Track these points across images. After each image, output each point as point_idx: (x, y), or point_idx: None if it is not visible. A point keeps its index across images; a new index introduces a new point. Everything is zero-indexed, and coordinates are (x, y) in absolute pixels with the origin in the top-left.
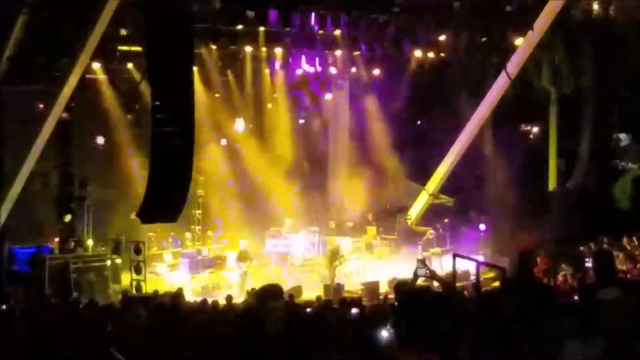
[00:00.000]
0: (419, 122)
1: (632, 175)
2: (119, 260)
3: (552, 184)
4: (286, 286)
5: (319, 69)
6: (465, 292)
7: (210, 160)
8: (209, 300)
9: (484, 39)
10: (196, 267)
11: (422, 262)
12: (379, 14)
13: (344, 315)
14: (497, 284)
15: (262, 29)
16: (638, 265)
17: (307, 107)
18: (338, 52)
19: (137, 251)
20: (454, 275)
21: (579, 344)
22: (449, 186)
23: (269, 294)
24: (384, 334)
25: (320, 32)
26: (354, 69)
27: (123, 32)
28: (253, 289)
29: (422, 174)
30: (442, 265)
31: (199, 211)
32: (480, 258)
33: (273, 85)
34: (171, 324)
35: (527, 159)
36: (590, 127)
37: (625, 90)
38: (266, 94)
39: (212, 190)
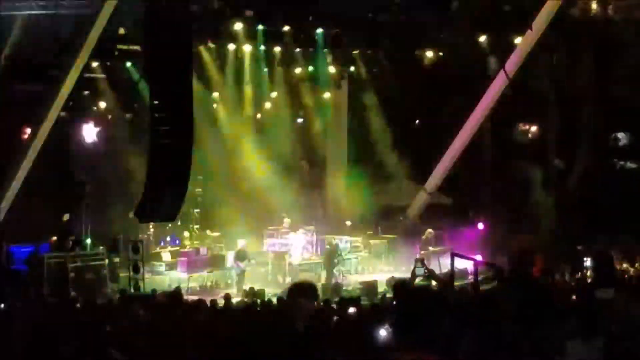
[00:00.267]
0: (417, 121)
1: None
2: (117, 260)
3: (550, 184)
4: (283, 286)
5: (318, 67)
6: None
7: (209, 159)
8: (207, 300)
9: (482, 39)
10: (194, 266)
11: (421, 262)
12: (378, 14)
13: (342, 315)
14: (495, 283)
15: (260, 27)
16: (636, 265)
17: (306, 106)
18: (337, 51)
19: (135, 250)
20: (452, 274)
21: (581, 344)
22: (448, 185)
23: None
24: (383, 333)
25: (319, 30)
26: (352, 68)
27: (122, 31)
28: (251, 287)
29: (420, 173)
30: (441, 264)
31: (197, 210)
32: (479, 257)
33: (272, 84)
34: (169, 323)
35: (525, 159)
36: (589, 126)
37: (624, 90)
38: (265, 92)
39: (210, 189)
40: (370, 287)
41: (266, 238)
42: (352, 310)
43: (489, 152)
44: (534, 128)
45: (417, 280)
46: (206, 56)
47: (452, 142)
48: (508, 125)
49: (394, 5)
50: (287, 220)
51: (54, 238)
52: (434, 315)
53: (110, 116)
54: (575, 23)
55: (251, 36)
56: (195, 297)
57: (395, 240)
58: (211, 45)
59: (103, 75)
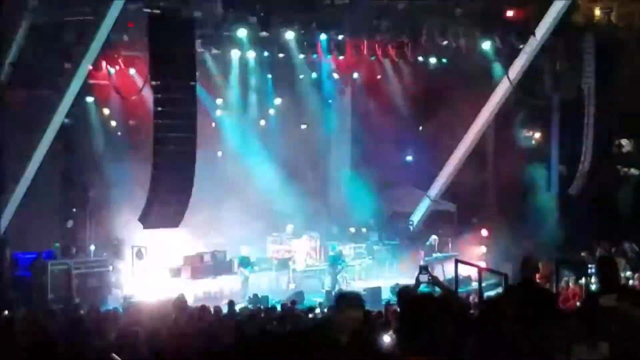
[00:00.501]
0: (420, 128)
1: (634, 181)
2: (121, 266)
3: (553, 190)
4: (287, 292)
5: (322, 73)
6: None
7: (213, 165)
8: (211, 307)
9: (486, 45)
10: (198, 272)
11: (424, 268)
12: (381, 20)
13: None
14: (499, 289)
15: (264, 34)
16: None
17: (309, 112)
18: (341, 58)
19: (139, 256)
20: (456, 281)
21: (586, 350)
22: (451, 192)
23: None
24: (386, 339)
25: (323, 37)
26: (356, 74)
27: (126, 37)
28: (255, 294)
29: (424, 180)
30: (444, 271)
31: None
32: (482, 264)
33: (275, 90)
34: (173, 329)
35: (528, 165)
36: (592, 132)
37: (628, 96)
38: (269, 99)
39: (213, 196)
40: (374, 294)
41: (270, 244)
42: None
43: (493, 158)
44: (537, 134)
45: (421, 287)
46: (210, 62)
47: (455, 149)
48: (511, 131)
49: (398, 11)
50: (290, 227)
51: (57, 245)
52: (438, 322)
53: (113, 122)
54: (579, 29)
55: (255, 42)
56: (199, 304)
57: (399, 246)
58: (215, 51)
59: (107, 82)
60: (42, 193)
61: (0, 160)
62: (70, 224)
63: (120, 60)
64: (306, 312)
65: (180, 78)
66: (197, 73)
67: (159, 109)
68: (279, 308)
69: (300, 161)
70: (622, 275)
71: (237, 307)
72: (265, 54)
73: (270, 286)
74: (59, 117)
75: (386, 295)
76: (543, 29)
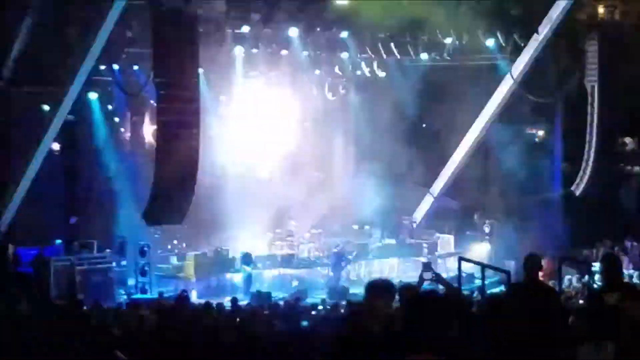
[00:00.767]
0: (424, 125)
1: (638, 179)
2: (124, 263)
3: (557, 188)
4: (291, 289)
5: (325, 70)
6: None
7: (216, 162)
8: (214, 303)
9: (490, 42)
10: (201, 269)
11: (428, 266)
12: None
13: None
14: (502, 287)
15: (267, 30)
16: None
17: (312, 110)
18: (344, 55)
19: (142, 253)
20: (459, 278)
21: (592, 348)
22: (454, 189)
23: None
24: None
25: (326, 34)
26: (359, 71)
27: (129, 34)
28: (258, 290)
29: (427, 177)
30: (447, 268)
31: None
32: (485, 261)
33: (278, 86)
34: (176, 326)
35: (532, 163)
36: (595, 130)
37: (631, 94)
38: (272, 95)
39: (217, 192)
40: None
41: (273, 241)
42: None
43: (496, 156)
44: (540, 132)
45: (425, 284)
46: (213, 59)
47: (459, 146)
48: (515, 129)
49: (402, 7)
50: (294, 224)
51: (59, 241)
52: (442, 320)
53: (117, 119)
54: (582, 27)
55: (258, 39)
56: (202, 301)
57: (403, 243)
58: (218, 48)
59: (110, 78)
60: (45, 189)
61: (4, 156)
62: (73, 220)
63: (123, 57)
64: (309, 308)
65: (184, 74)
66: (200, 69)
67: (163, 105)
68: (282, 305)
69: (304, 157)
70: (625, 273)
71: (241, 304)
72: (269, 50)
73: (274, 283)
74: (63, 113)
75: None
76: (547, 26)
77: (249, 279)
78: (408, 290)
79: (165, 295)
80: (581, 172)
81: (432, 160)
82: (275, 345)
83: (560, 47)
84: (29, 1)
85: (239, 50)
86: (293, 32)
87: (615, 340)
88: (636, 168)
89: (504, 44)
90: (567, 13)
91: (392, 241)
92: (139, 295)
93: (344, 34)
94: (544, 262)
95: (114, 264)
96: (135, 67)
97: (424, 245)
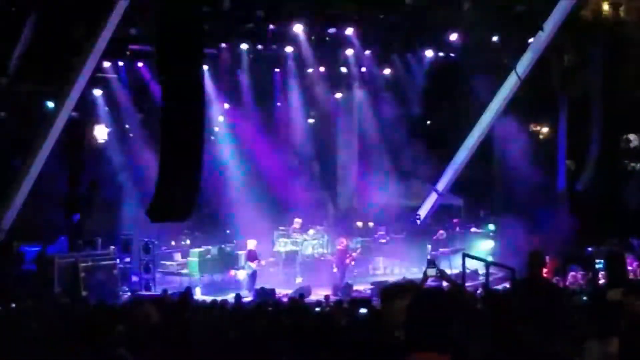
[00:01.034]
0: (428, 122)
1: None
2: (128, 260)
3: (561, 185)
4: (295, 286)
5: (330, 67)
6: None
7: (220, 159)
8: (218, 300)
9: (494, 39)
10: (205, 266)
11: (432, 262)
12: (389, 14)
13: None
14: (506, 283)
15: (272, 27)
16: None
17: (317, 106)
18: (349, 51)
19: (146, 250)
20: (463, 275)
21: (597, 345)
22: (459, 186)
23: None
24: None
25: (331, 30)
26: (364, 68)
27: (133, 31)
28: (262, 287)
29: (431, 174)
30: (452, 265)
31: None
32: (490, 258)
33: (283, 84)
34: (180, 323)
35: (536, 160)
36: (599, 127)
37: (635, 91)
38: (276, 93)
39: (221, 189)
40: (381, 288)
41: (277, 238)
42: (362, 311)
43: (501, 153)
44: (545, 129)
45: (429, 281)
46: (218, 56)
47: (463, 143)
48: (519, 126)
49: (406, 5)
50: (297, 221)
51: (63, 238)
52: (447, 317)
53: (121, 116)
54: (587, 24)
55: (263, 36)
56: (206, 297)
57: (407, 240)
58: (223, 45)
59: (115, 75)
60: (49, 186)
61: (7, 153)
62: (77, 217)
63: (127, 54)
64: (314, 305)
65: (189, 72)
66: (204, 66)
67: (167, 102)
68: (286, 301)
69: (308, 155)
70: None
71: (244, 301)
72: (274, 47)
73: (278, 280)
74: (67, 110)
75: None
76: (551, 23)
77: (253, 276)
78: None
79: (170, 292)
80: (585, 169)
81: (437, 157)
82: (279, 341)
83: (564, 44)
84: None
85: (243, 47)
86: (298, 28)
87: (620, 337)
88: None
89: (508, 41)
90: (571, 10)
91: (397, 237)
92: (143, 292)
93: (349, 31)
94: (547, 259)
95: (117, 260)
96: (140, 64)
97: (429, 241)
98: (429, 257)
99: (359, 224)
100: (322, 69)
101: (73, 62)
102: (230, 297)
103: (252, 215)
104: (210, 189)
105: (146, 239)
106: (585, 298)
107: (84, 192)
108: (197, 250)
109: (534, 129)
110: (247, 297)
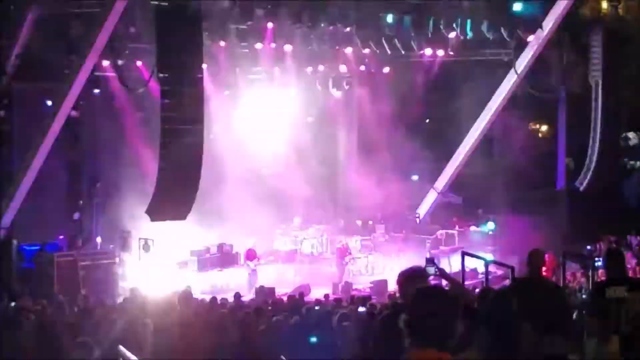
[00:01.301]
0: (427, 120)
1: None
2: (127, 258)
3: (560, 183)
4: (294, 284)
5: (329, 65)
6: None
7: (219, 157)
8: (218, 298)
9: (493, 37)
10: (205, 265)
11: (431, 261)
12: (389, 12)
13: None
14: (506, 282)
15: (271, 25)
16: None
17: (316, 105)
18: (348, 50)
19: (146, 249)
20: (462, 273)
21: (597, 343)
22: (458, 184)
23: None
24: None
25: (330, 29)
26: (363, 67)
27: (132, 29)
28: (262, 286)
29: (431, 172)
30: (451, 263)
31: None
32: (489, 256)
33: (282, 82)
34: (179, 321)
35: (535, 158)
36: (599, 125)
37: (635, 89)
38: (276, 91)
39: (221, 188)
40: (380, 286)
41: (277, 237)
42: (361, 309)
43: (500, 151)
44: (544, 127)
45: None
46: (217, 54)
47: (462, 141)
48: (519, 124)
49: (405, 3)
50: (297, 219)
51: (61, 237)
52: (446, 315)
53: (120, 114)
54: (586, 22)
55: (262, 34)
56: (205, 296)
57: (406, 239)
58: (222, 43)
59: (114, 74)
60: (49, 185)
61: (7, 151)
62: (77, 215)
63: (127, 52)
64: (313, 304)
65: (187, 70)
66: (204, 65)
67: (166, 101)
68: (285, 300)
69: (308, 152)
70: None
71: (244, 299)
72: (273, 45)
73: (277, 278)
74: (66, 109)
75: (392, 287)
76: (550, 21)
77: (252, 275)
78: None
79: (169, 291)
80: (585, 167)
81: (436, 155)
82: (279, 340)
83: (564, 42)
84: None
85: (243, 46)
86: (297, 26)
87: (621, 334)
88: (639, 163)
89: (508, 39)
90: (571, 8)
91: (396, 236)
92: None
93: (348, 29)
94: (547, 257)
95: (117, 259)
96: (139, 63)
97: (428, 240)
98: (428, 255)
99: (359, 222)
100: (321, 67)
101: (72, 60)
102: (230, 295)
103: (251, 213)
104: (209, 187)
105: (145, 238)
106: (584, 296)
107: (84, 190)
108: (197, 249)
109: (533, 126)
110: (247, 296)
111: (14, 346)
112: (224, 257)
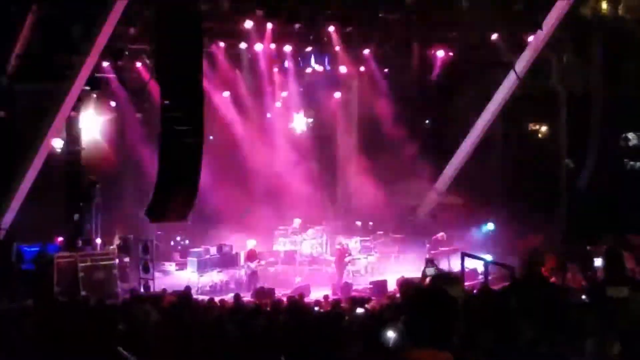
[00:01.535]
0: (427, 121)
1: None
2: (127, 259)
3: (560, 183)
4: (294, 285)
5: (328, 67)
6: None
7: (218, 158)
8: (217, 299)
9: (493, 37)
10: (204, 266)
11: (431, 262)
12: (388, 13)
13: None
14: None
15: (270, 26)
16: None
17: (316, 106)
18: (348, 50)
19: (145, 250)
20: (462, 274)
21: (597, 343)
22: (458, 185)
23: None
24: (392, 333)
25: (331, 29)
26: (363, 68)
27: (132, 30)
28: (261, 287)
29: (431, 173)
30: (451, 264)
31: None
32: (489, 257)
33: (282, 83)
34: (179, 322)
35: (535, 158)
36: (599, 126)
37: (635, 89)
38: (275, 92)
39: (220, 189)
40: (380, 287)
41: (276, 238)
42: (359, 310)
43: (500, 152)
44: (544, 128)
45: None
46: (217, 55)
47: (462, 142)
48: (518, 125)
49: (405, 4)
50: (297, 220)
51: (61, 239)
52: (447, 315)
53: (120, 115)
54: (586, 22)
55: (262, 35)
56: (205, 297)
57: (406, 240)
58: (221, 44)
59: (113, 75)
60: (48, 186)
61: (6, 152)
62: (76, 216)
63: (126, 53)
64: (313, 305)
65: (187, 71)
66: (204, 66)
67: (166, 102)
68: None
69: (307, 154)
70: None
71: (243, 300)
72: (272, 46)
73: (277, 279)
74: (66, 109)
75: (392, 288)
76: (550, 21)
77: (252, 276)
78: (407, 284)
79: (169, 291)
80: (584, 168)
81: (436, 155)
82: (278, 341)
83: (563, 42)
84: None
85: (242, 46)
86: (297, 27)
87: (622, 334)
88: (639, 164)
89: (507, 39)
90: (570, 8)
91: (396, 237)
92: (142, 292)
93: (348, 29)
94: (547, 257)
95: (117, 260)
96: (139, 64)
97: (427, 241)
98: (427, 256)
99: (358, 223)
100: (320, 68)
101: (72, 61)
102: (230, 296)
103: (251, 214)
104: (209, 187)
105: (145, 238)
106: (584, 296)
107: (84, 191)
108: (196, 249)
109: (533, 127)
110: (246, 297)
111: (15, 348)
112: (224, 258)
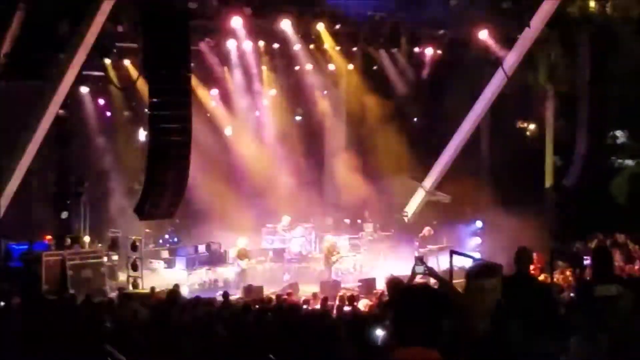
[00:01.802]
0: (415, 119)
1: (628, 172)
2: (115, 257)
3: (548, 181)
4: (282, 283)
5: (317, 64)
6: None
7: (206, 156)
8: (206, 297)
9: (481, 35)
10: (193, 264)
11: (420, 260)
12: (377, 11)
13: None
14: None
15: (259, 23)
16: (637, 262)
17: (304, 104)
18: (337, 48)
19: (134, 248)
20: (450, 272)
21: (585, 341)
22: (446, 182)
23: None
24: (380, 332)
25: (319, 26)
26: (351, 66)
27: (120, 28)
28: (249, 285)
29: (419, 171)
30: (439, 262)
31: None
32: (477, 255)
33: (270, 80)
34: (167, 320)
35: (523, 156)
36: (586, 124)
37: (622, 87)
38: (264, 89)
39: (208, 186)
40: (368, 285)
41: (264, 235)
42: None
43: (488, 150)
44: (532, 125)
45: (417, 279)
46: (204, 53)
47: (450, 140)
48: (506, 122)
49: (394, 1)
50: (286, 217)
51: (49, 237)
52: (435, 314)
53: (108, 113)
54: (573, 20)
55: (250, 32)
56: (193, 295)
57: (394, 237)
58: (209, 42)
59: (101, 73)
60: (36, 184)
61: None
62: (64, 215)
63: (114, 51)
64: (301, 303)
65: (175, 69)
66: (191, 64)
67: (154, 100)
68: (274, 299)
69: (296, 151)
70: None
71: (232, 298)
72: (261, 43)
73: (265, 277)
74: (54, 108)
75: (380, 286)
76: (538, 20)
77: (241, 273)
78: (395, 282)
79: (157, 289)
80: (572, 166)
81: (424, 153)
82: (267, 339)
83: (551, 40)
84: None
85: (230, 44)
86: (285, 25)
87: (610, 333)
88: (627, 161)
89: (495, 38)
90: (558, 6)
91: (384, 235)
92: (130, 290)
93: (337, 27)
94: (535, 256)
95: (105, 258)
96: (127, 62)
97: (416, 239)
98: (416, 254)
99: (347, 221)
100: (309, 65)
101: (60, 59)
102: (218, 294)
103: (240, 212)
104: (197, 185)
105: (133, 237)
106: (572, 294)
107: (72, 189)
108: (184, 247)
109: (521, 125)
110: (235, 295)
111: (2, 346)
112: (212, 256)
